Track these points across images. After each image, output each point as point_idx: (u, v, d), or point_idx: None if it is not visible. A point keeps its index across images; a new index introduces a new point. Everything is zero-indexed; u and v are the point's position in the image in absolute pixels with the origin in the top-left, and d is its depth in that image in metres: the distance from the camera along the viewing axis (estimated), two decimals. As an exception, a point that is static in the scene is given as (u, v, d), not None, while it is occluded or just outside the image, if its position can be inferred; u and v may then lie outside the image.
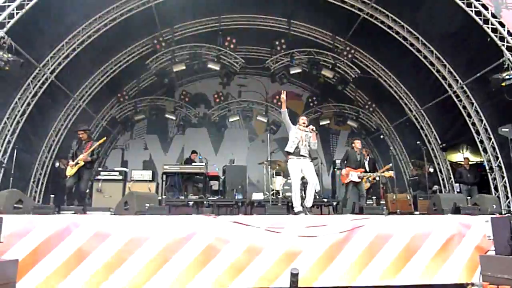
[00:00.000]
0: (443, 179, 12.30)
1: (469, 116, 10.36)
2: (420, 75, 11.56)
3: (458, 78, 10.31)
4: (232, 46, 12.39)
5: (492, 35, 8.26)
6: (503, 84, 8.13)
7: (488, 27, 8.28)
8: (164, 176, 10.50)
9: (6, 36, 7.68)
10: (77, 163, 7.30)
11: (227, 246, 4.62)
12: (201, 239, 4.62)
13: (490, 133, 10.00)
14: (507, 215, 6.76)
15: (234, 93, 15.86)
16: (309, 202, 6.65)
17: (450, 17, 9.14)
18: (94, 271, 4.32)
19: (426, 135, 12.39)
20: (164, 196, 9.88)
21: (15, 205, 5.68)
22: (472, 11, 8.33)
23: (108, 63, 12.16)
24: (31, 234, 4.40)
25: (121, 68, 12.45)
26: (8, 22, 7.60)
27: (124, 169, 10.75)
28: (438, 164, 12.39)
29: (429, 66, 10.71)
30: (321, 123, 14.94)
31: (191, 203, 9.84)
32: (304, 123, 6.78)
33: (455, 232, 5.01)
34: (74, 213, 5.76)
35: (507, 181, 9.79)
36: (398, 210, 8.34)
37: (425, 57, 10.70)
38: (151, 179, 10.48)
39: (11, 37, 7.78)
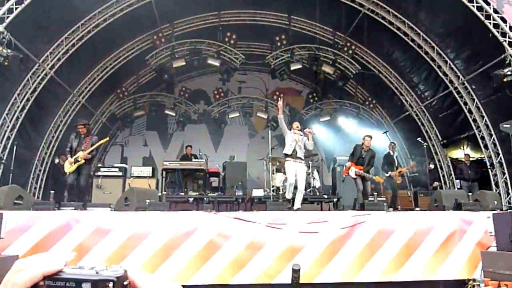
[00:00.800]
0: (443, 176, 12.31)
1: (470, 112, 10.36)
2: (421, 71, 11.57)
3: (459, 73, 10.31)
4: (232, 42, 12.37)
5: (494, 30, 8.24)
6: (505, 79, 8.12)
7: (490, 23, 8.26)
8: (164, 172, 10.49)
9: (5, 31, 7.65)
10: (76, 161, 7.17)
11: (228, 242, 4.62)
12: (202, 234, 4.62)
13: (491, 129, 10.01)
14: (509, 211, 6.77)
15: (234, 89, 15.85)
16: (296, 206, 7.18)
17: (452, 12, 9.13)
18: (95, 267, 4.31)
19: (426, 132, 12.40)
20: (164, 192, 9.87)
21: (15, 201, 5.67)
22: (473, 6, 8.31)
23: (108, 58, 12.15)
24: (31, 230, 4.40)
25: (121, 64, 12.46)
26: (8, 17, 7.58)
27: (124, 165, 10.74)
28: (439, 160, 12.40)
29: (430, 62, 10.71)
30: (321, 120, 14.93)
31: (191, 199, 9.84)
32: (297, 127, 7.43)
33: (457, 228, 5.01)
34: (74, 209, 5.76)
35: (508, 178, 9.81)
36: (399, 207, 8.35)
37: (426, 53, 10.69)
38: (151, 175, 10.47)
39: (10, 32, 7.75)
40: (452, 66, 10.38)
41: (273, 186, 10.21)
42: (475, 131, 10.42)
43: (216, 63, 12.48)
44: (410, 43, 10.76)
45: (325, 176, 13.79)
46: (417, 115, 12.59)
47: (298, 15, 12.54)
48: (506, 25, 8.15)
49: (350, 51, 12.56)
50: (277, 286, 4.47)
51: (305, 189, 10.29)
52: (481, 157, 10.83)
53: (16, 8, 7.58)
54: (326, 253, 4.71)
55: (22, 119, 9.66)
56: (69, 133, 8.94)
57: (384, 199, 10.48)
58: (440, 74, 10.65)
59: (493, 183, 10.19)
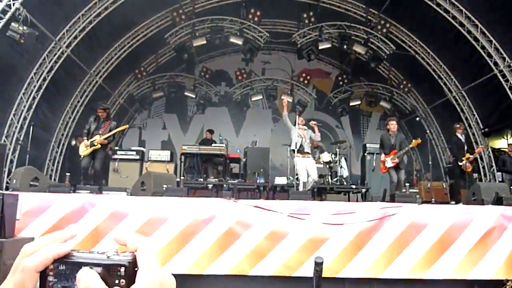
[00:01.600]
0: (483, 167, 11.98)
1: (516, 98, 9.99)
2: (462, 52, 11.20)
3: (505, 55, 9.92)
4: (256, 19, 12.24)
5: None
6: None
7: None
8: (183, 157, 10.63)
9: (22, 7, 7.81)
10: (92, 144, 7.35)
11: (248, 231, 4.66)
12: (221, 222, 4.67)
13: (540, 117, 9.64)
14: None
15: (257, 70, 15.78)
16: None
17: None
18: (110, 252, 4.44)
19: (466, 119, 12.05)
20: (182, 178, 10.02)
21: (31, 183, 5.88)
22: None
23: (126, 37, 12.28)
24: (47, 213, 4.56)
25: (139, 42, 12.57)
26: (23, -8, 7.72)
27: (142, 148, 10.94)
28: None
29: (473, 42, 10.34)
30: (351, 104, 14.72)
31: (210, 185, 9.95)
32: (302, 121, 8.11)
33: (496, 225, 4.88)
34: (90, 193, 5.92)
35: (556, 171, 9.46)
36: (432, 199, 8.19)
37: (468, 31, 10.30)
38: (169, 159, 10.65)
39: (26, 9, 7.91)
40: (498, 46, 9.99)
41: (296, 174, 10.19)
42: (521, 119, 10.07)
43: (239, 41, 12.41)
44: (451, 20, 10.38)
45: (354, 165, 13.65)
46: (456, 100, 12.22)
47: (328, -11, 12.31)
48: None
49: (384, 30, 12.22)
50: (298, 279, 4.49)
51: (331, 178, 10.32)
52: (526, 148, 10.47)
53: (32, -17, 7.72)
54: (351, 246, 4.69)
55: (39, 99, 9.93)
56: (86, 115, 9.13)
57: (417, 190, 10.33)
58: (484, 55, 10.27)
59: (539, 176, 9.86)
